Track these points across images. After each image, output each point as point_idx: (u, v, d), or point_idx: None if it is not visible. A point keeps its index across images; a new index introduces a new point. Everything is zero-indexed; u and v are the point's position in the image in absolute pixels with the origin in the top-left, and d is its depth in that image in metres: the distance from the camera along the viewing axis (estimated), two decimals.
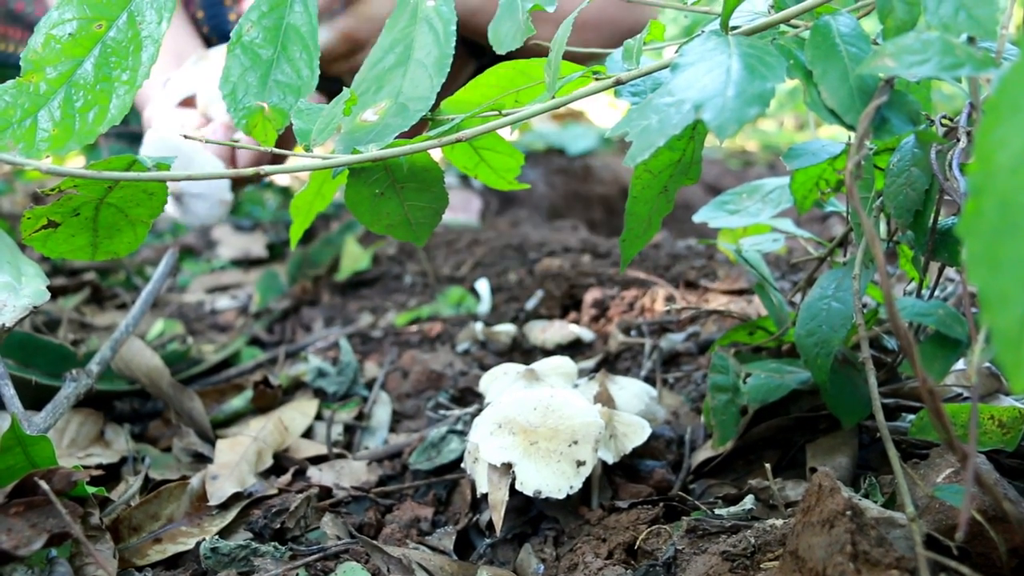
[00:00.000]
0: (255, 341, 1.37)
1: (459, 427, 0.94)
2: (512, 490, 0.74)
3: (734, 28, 0.58)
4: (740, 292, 1.21)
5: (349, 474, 0.91)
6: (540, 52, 0.66)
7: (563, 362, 0.92)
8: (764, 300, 0.86)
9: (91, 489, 0.71)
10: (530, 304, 1.28)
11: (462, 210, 1.85)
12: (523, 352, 1.18)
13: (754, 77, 0.50)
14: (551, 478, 0.73)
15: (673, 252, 1.35)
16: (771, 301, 0.86)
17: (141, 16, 0.69)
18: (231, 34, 0.71)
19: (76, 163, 2.49)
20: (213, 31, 1.60)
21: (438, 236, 1.57)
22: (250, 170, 0.63)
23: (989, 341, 0.48)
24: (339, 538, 0.79)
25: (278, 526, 0.79)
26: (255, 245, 1.95)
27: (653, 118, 0.52)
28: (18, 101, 0.67)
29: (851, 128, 0.53)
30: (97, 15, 0.69)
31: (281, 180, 2.58)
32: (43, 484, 0.61)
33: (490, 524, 0.77)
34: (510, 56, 0.67)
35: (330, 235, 1.78)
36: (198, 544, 0.74)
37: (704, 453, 0.84)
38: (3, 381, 0.82)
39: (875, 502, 0.66)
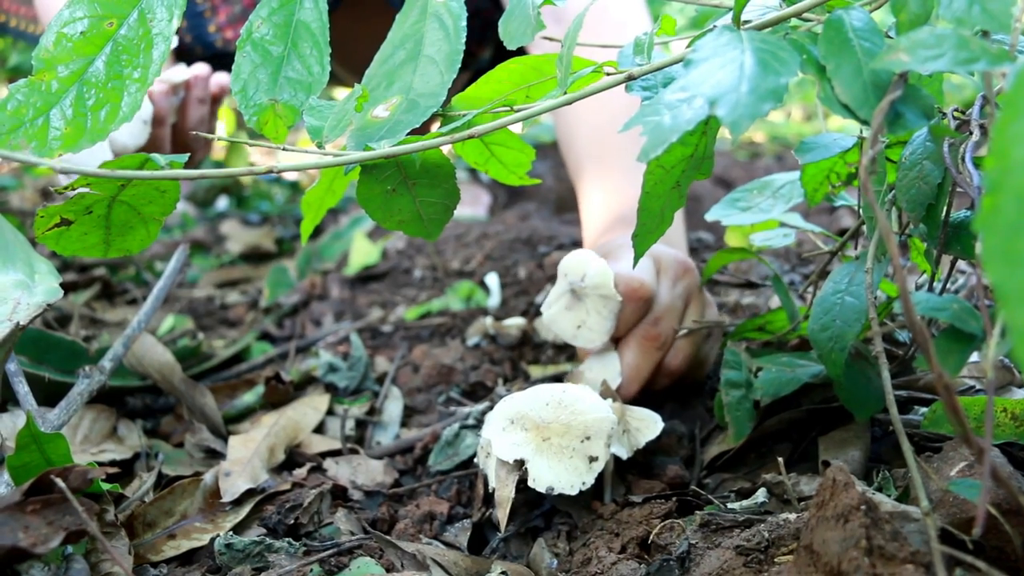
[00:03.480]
0: (265, 336, 1.37)
1: (471, 422, 0.94)
2: (525, 485, 0.74)
3: (746, 23, 0.58)
4: (751, 285, 1.21)
5: (363, 470, 0.92)
6: None
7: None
8: (781, 295, 0.86)
9: (106, 486, 0.72)
10: (540, 298, 1.28)
11: (471, 204, 1.85)
12: (533, 346, 1.18)
13: (767, 72, 0.50)
14: (564, 474, 0.73)
15: None
16: (788, 296, 0.86)
17: (152, 14, 0.69)
18: (241, 31, 0.71)
19: None
20: (195, 41, 1.66)
21: (447, 230, 1.57)
22: (263, 167, 0.63)
23: (1004, 335, 0.48)
24: (352, 533, 0.79)
25: (292, 522, 0.79)
26: (264, 240, 1.96)
27: (665, 114, 0.52)
28: (30, 99, 0.67)
29: (865, 123, 0.53)
30: (108, 13, 0.69)
31: (290, 175, 2.59)
32: (59, 482, 0.62)
33: None
34: None
35: (339, 229, 1.78)
36: (212, 540, 0.75)
37: (717, 447, 0.84)
38: (17, 378, 0.82)
39: (889, 496, 0.66)
